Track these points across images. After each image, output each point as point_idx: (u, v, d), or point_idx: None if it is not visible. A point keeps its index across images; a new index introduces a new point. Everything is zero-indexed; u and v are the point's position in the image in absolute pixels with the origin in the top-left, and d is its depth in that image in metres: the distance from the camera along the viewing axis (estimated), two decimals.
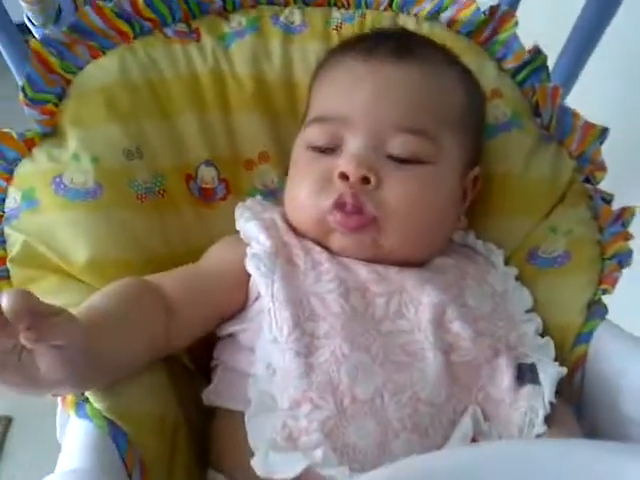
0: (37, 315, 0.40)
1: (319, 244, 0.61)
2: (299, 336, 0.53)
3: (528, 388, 0.55)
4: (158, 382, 0.57)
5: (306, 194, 0.61)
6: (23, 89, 0.62)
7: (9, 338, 0.40)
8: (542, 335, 0.62)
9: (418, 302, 0.58)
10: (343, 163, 0.59)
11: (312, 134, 0.63)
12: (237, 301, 0.60)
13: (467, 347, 0.56)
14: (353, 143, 0.60)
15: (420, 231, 0.61)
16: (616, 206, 0.67)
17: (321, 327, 0.54)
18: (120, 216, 0.63)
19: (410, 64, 0.62)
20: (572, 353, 0.62)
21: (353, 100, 0.61)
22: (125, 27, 0.69)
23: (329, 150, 0.62)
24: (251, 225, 0.62)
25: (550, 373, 0.56)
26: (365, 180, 0.58)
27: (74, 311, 0.46)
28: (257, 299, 0.59)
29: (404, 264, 0.61)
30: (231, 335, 0.60)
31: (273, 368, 0.53)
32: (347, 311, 0.55)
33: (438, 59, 0.65)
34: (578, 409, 0.61)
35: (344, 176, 0.59)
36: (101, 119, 0.65)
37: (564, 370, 0.57)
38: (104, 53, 0.68)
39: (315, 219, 0.61)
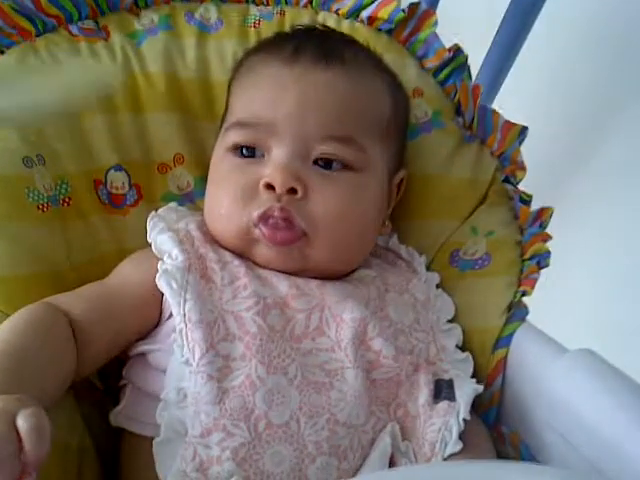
0: None
1: (238, 255, 0.59)
2: (212, 358, 0.50)
3: (443, 404, 0.54)
4: (61, 406, 0.53)
5: (229, 204, 0.58)
6: None
7: None
8: (463, 344, 0.61)
9: (340, 319, 0.56)
10: (269, 173, 0.57)
11: (234, 139, 0.60)
12: (151, 320, 0.57)
13: (388, 364, 0.55)
14: (279, 152, 0.58)
15: (348, 243, 0.60)
16: (535, 207, 0.67)
17: (237, 348, 0.52)
18: (16, 229, 0.58)
19: (337, 69, 0.60)
20: (492, 357, 0.61)
21: (278, 107, 0.58)
22: (26, 24, 0.65)
23: (252, 157, 0.59)
24: (164, 238, 0.58)
25: (466, 390, 0.55)
26: (292, 191, 0.56)
27: None
28: (169, 318, 0.56)
29: (328, 276, 0.59)
30: (142, 354, 0.57)
31: (184, 392, 0.50)
32: (265, 330, 0.53)
33: (364, 63, 0.63)
34: (498, 414, 0.60)
35: (270, 187, 0.56)
36: None
37: (480, 387, 0.56)
38: (2, 52, 0.64)
39: (239, 231, 0.58)
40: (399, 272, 0.66)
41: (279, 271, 0.58)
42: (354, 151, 0.59)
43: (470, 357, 0.61)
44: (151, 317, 0.57)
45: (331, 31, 0.70)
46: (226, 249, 0.59)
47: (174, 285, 0.54)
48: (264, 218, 0.56)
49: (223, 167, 0.61)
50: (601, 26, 0.98)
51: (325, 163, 0.58)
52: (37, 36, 0.66)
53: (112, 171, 0.66)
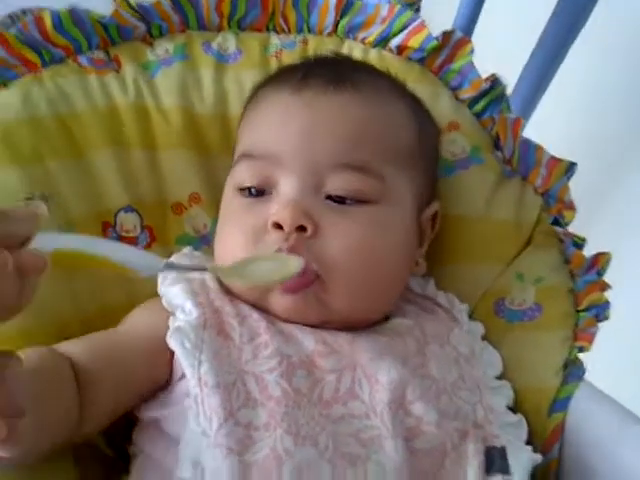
0: None
1: (257, 308, 0.53)
2: (232, 428, 0.44)
3: (496, 478, 0.47)
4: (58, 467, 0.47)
5: (238, 248, 0.52)
6: None
7: None
8: (514, 405, 0.55)
9: (374, 380, 0.49)
10: (276, 210, 0.51)
11: (240, 174, 0.55)
12: (161, 377, 0.51)
13: (431, 432, 0.48)
14: (286, 186, 0.52)
15: (371, 284, 0.53)
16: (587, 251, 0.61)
17: (259, 415, 0.45)
18: None
19: (347, 93, 0.55)
20: (548, 421, 0.54)
21: (284, 136, 0.53)
22: (32, 55, 0.61)
23: (261, 193, 0.54)
24: (176, 290, 0.52)
25: (522, 460, 0.48)
26: (301, 229, 0.50)
27: None
28: (181, 378, 0.49)
29: (357, 326, 0.53)
30: (153, 419, 0.50)
31: (202, 467, 0.44)
32: (290, 395, 0.46)
33: (381, 87, 0.58)
34: None
35: (278, 226, 0.51)
36: None
37: (538, 457, 0.50)
38: (5, 85, 0.59)
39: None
40: (438, 321, 0.59)
41: (303, 324, 0.52)
42: (371, 181, 0.53)
43: (523, 420, 0.54)
44: (161, 375, 0.51)
45: (344, 57, 0.66)
46: (243, 301, 0.53)
47: (187, 345, 0.47)
48: None
49: (232, 208, 0.57)
50: (634, 57, 0.94)
51: (338, 198, 0.53)
52: (43, 68, 0.61)
53: (122, 213, 0.61)
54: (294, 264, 0.48)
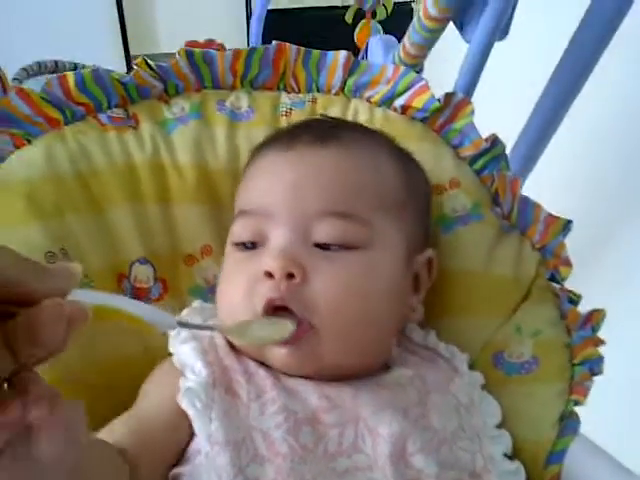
0: None
1: (263, 365, 0.54)
2: None
3: None
4: None
5: (235, 301, 0.55)
6: None
7: None
8: (512, 455, 0.56)
9: (376, 433, 0.51)
10: (266, 260, 0.53)
11: (236, 230, 0.59)
12: (184, 439, 0.51)
13: None
14: (276, 237, 0.55)
15: (362, 327, 0.55)
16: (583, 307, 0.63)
17: (266, 472, 0.47)
18: None
19: (334, 148, 0.58)
20: (544, 474, 0.56)
21: (273, 192, 0.57)
22: (55, 113, 0.64)
23: (255, 247, 0.57)
24: (187, 349, 0.54)
25: None
26: (290, 276, 0.53)
27: None
28: (194, 437, 0.50)
29: (354, 373, 0.55)
30: (176, 474, 0.51)
31: None
32: (297, 451, 0.48)
33: (366, 141, 0.61)
34: None
35: (269, 275, 0.53)
36: (20, 219, 0.58)
37: None
38: (29, 142, 0.62)
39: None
40: (439, 370, 0.61)
41: (306, 378, 0.54)
42: (356, 226, 0.55)
43: (522, 468, 0.55)
44: (185, 436, 0.51)
45: (332, 117, 0.69)
46: (250, 357, 0.55)
47: (198, 405, 0.49)
48: (267, 311, 0.52)
49: (229, 262, 0.59)
50: (629, 114, 0.97)
51: (324, 245, 0.55)
52: (65, 124, 0.65)
53: (137, 264, 0.64)
54: (288, 327, 0.51)
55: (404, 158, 0.64)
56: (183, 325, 0.48)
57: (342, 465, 0.49)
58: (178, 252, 0.66)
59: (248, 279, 0.54)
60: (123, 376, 0.56)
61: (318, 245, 0.55)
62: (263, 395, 0.51)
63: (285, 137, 0.61)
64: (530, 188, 0.72)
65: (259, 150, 0.63)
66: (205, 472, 0.47)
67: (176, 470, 0.50)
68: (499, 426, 0.58)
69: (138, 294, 0.63)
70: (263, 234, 0.56)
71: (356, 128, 0.65)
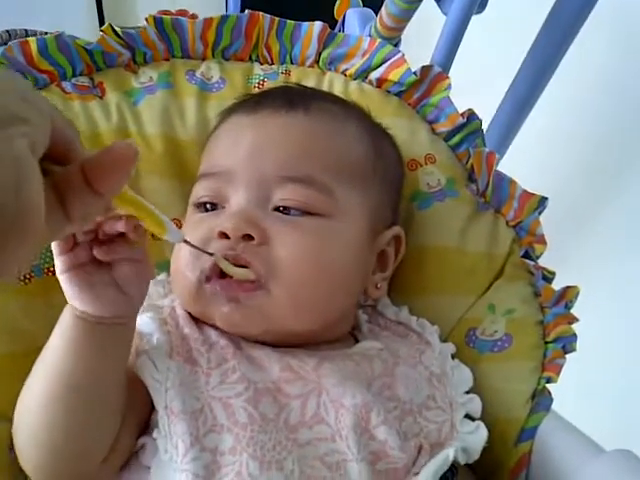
0: None
1: (226, 334, 0.53)
2: (198, 454, 0.44)
3: None
4: None
5: (183, 262, 0.53)
6: None
7: None
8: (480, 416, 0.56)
9: (339, 404, 0.50)
10: (222, 221, 0.52)
11: (196, 191, 0.57)
12: (144, 409, 0.50)
13: (395, 455, 0.49)
14: (235, 199, 0.54)
15: (315, 296, 0.53)
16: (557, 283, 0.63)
17: (225, 440, 0.46)
18: None
19: (298, 114, 0.57)
20: (515, 450, 0.56)
21: (235, 154, 0.56)
22: None
23: (215, 208, 0.56)
24: (144, 319, 0.52)
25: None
26: (248, 237, 0.52)
27: None
28: (153, 408, 0.49)
29: (306, 340, 0.54)
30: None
31: None
32: (256, 420, 0.47)
33: (332, 109, 0.60)
34: None
35: (224, 235, 0.52)
36: None
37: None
38: None
39: (191, 289, 0.53)
40: (410, 344, 0.60)
41: (269, 346, 0.53)
42: (318, 194, 0.54)
43: (482, 426, 0.54)
44: (144, 405, 0.50)
45: (302, 86, 0.67)
46: (212, 327, 0.54)
47: (155, 375, 0.48)
48: (217, 270, 0.51)
49: (188, 224, 0.58)
50: (605, 95, 0.97)
51: (284, 209, 0.54)
52: None
53: None
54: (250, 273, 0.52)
55: (376, 132, 0.63)
56: (187, 242, 0.47)
57: (304, 436, 0.48)
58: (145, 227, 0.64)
59: (202, 239, 0.53)
60: None
61: (278, 209, 0.54)
62: (224, 364, 0.50)
63: (251, 102, 0.60)
64: (506, 167, 0.72)
65: (224, 114, 0.62)
66: (161, 442, 0.46)
67: (141, 440, 0.49)
68: (469, 392, 0.57)
69: None
70: (223, 195, 0.55)
71: (327, 98, 0.63)
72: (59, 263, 0.42)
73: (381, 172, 0.60)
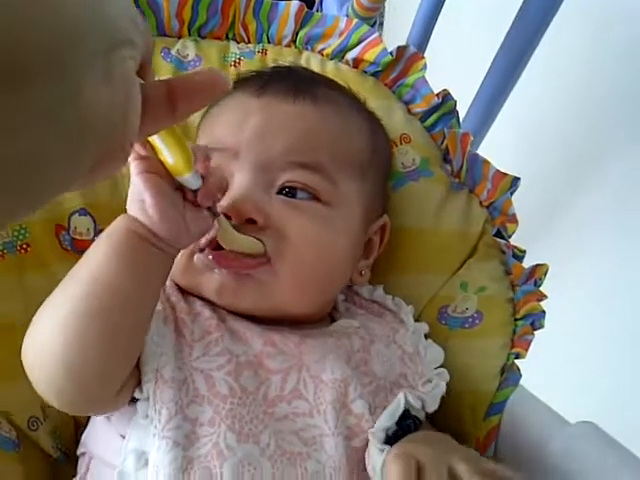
0: None
1: (210, 305, 0.53)
2: (180, 423, 0.45)
3: None
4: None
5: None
6: None
7: None
8: (453, 408, 0.57)
9: (319, 380, 0.51)
10: (226, 200, 0.52)
11: None
12: None
13: (370, 428, 0.50)
14: (240, 179, 0.54)
15: (315, 278, 0.54)
16: (527, 262, 0.64)
17: (205, 412, 0.46)
18: None
19: (307, 104, 0.57)
20: (484, 424, 0.57)
21: (241, 131, 0.55)
22: None
23: None
24: None
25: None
26: (251, 222, 0.52)
27: None
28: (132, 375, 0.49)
29: (294, 320, 0.55)
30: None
31: (145, 458, 0.45)
32: (236, 392, 0.48)
33: (338, 100, 0.60)
34: None
35: (226, 217, 0.51)
36: None
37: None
38: None
39: (181, 260, 0.52)
40: (385, 322, 0.61)
41: (253, 322, 0.53)
42: (323, 181, 0.55)
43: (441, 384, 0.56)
44: None
45: (307, 70, 0.67)
46: (197, 297, 0.54)
47: (155, 337, 0.48)
48: (213, 244, 0.51)
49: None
50: (581, 85, 0.98)
51: (289, 191, 0.54)
52: None
53: (76, 215, 0.61)
54: (260, 245, 0.52)
55: (373, 123, 0.64)
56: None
57: (281, 410, 0.49)
58: (118, 203, 0.63)
59: None
60: None
61: (283, 191, 0.54)
62: (207, 336, 0.51)
63: (257, 81, 0.59)
64: (483, 150, 0.72)
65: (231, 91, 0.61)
66: (143, 405, 0.46)
67: (136, 394, 0.48)
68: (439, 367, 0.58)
69: (77, 246, 0.61)
70: (228, 173, 0.55)
71: (331, 85, 0.63)
72: (139, 163, 0.42)
73: (376, 164, 0.61)
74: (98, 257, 0.44)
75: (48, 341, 0.43)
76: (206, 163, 0.44)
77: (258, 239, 0.52)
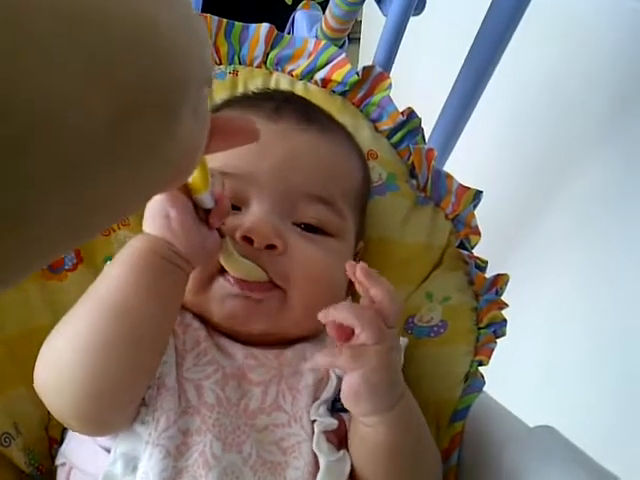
0: None
1: (198, 317, 0.54)
2: (174, 433, 0.46)
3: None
4: None
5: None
6: None
7: None
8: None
9: (296, 390, 0.52)
10: (248, 224, 0.53)
11: None
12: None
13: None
14: (259, 205, 0.55)
15: (323, 306, 0.54)
16: (490, 272, 0.66)
17: (194, 421, 0.47)
18: None
19: (318, 133, 0.59)
20: (448, 430, 0.59)
21: (262, 159, 0.56)
22: None
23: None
24: None
25: None
26: (271, 247, 0.53)
27: None
28: None
29: (289, 341, 0.56)
30: None
31: (134, 465, 0.46)
32: (222, 402, 0.49)
33: (340, 134, 0.64)
34: None
35: (247, 240, 0.53)
36: None
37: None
38: None
39: (195, 279, 0.52)
40: None
41: (237, 341, 0.54)
42: (336, 216, 0.57)
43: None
44: None
45: (307, 100, 0.69)
46: (186, 309, 0.55)
47: None
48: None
49: None
50: (547, 93, 1.01)
51: (306, 227, 0.56)
52: None
53: None
54: (263, 274, 0.52)
55: (362, 155, 0.67)
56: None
57: (261, 422, 0.50)
58: None
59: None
60: (28, 346, 0.54)
61: (296, 224, 0.56)
62: (196, 347, 0.52)
63: (270, 106, 0.60)
64: (450, 165, 0.75)
65: (238, 108, 0.62)
66: (151, 410, 0.47)
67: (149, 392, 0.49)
68: None
69: (52, 264, 0.62)
70: (243, 197, 0.55)
71: (330, 119, 0.66)
72: None
73: (366, 193, 0.65)
74: (120, 283, 0.44)
75: (73, 368, 0.44)
76: (222, 184, 0.46)
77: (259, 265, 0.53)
